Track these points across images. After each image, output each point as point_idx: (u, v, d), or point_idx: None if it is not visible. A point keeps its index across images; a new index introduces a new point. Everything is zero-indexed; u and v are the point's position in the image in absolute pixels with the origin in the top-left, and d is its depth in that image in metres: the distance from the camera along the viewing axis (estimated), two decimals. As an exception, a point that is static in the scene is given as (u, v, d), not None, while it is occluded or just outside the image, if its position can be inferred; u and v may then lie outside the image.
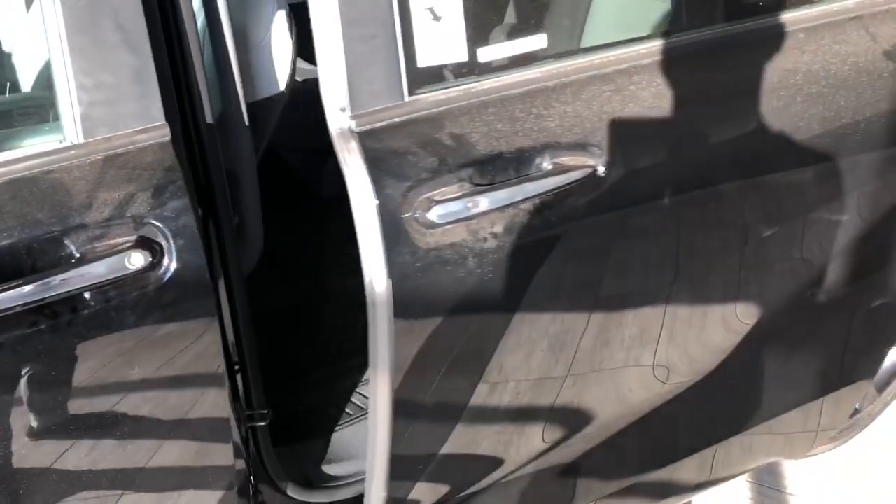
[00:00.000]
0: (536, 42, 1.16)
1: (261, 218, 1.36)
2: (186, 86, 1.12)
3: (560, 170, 1.13)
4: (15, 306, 0.93)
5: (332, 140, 1.04)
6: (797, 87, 1.31)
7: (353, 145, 1.02)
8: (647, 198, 1.25)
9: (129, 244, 0.98)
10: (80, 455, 1.06)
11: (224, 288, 1.19)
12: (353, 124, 1.03)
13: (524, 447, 1.40)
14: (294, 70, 1.45)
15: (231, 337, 1.24)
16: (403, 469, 1.26)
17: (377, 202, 1.02)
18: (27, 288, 0.93)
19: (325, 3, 1.00)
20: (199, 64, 1.11)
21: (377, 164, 1.03)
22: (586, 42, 1.29)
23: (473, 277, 1.12)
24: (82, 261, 0.96)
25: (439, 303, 1.12)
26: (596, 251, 1.26)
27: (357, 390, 1.81)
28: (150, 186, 1.00)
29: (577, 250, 1.22)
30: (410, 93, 1.05)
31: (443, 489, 1.37)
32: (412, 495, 1.33)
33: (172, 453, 1.16)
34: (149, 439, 1.13)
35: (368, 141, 1.03)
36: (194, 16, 1.10)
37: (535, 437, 1.40)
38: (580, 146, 1.15)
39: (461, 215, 1.08)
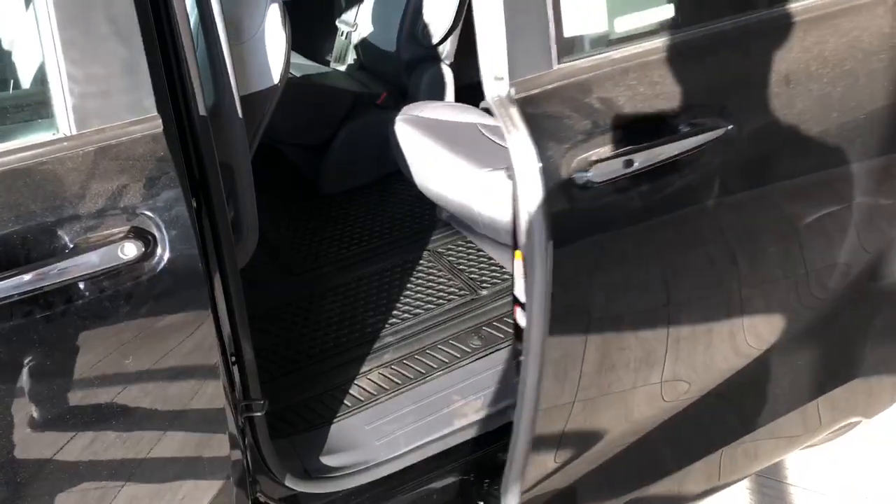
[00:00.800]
0: (666, 12, 1.24)
1: (256, 211, 1.36)
2: (179, 78, 1.12)
3: (698, 130, 1.22)
4: (9, 296, 0.94)
5: (491, 107, 1.11)
6: None
7: (514, 111, 1.09)
8: (775, 158, 1.34)
9: (122, 234, 0.99)
10: (75, 445, 1.07)
11: (219, 279, 1.20)
12: (511, 91, 1.09)
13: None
14: (288, 64, 1.46)
15: (227, 328, 1.25)
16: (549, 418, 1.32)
17: (540, 165, 1.09)
18: (21, 278, 0.94)
19: None
20: (192, 56, 1.11)
21: (537, 129, 1.09)
22: (710, 11, 1.33)
23: (628, 234, 1.22)
24: (76, 251, 0.97)
25: (596, 259, 1.21)
26: (734, 206, 1.33)
27: (355, 382, 1.82)
28: (142, 177, 1.01)
29: (719, 205, 1.31)
30: (559, 61, 1.14)
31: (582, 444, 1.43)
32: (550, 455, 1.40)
33: (168, 444, 1.17)
34: (144, 430, 1.14)
35: (527, 107, 1.10)
36: (186, 9, 1.10)
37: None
38: (713, 108, 1.24)
39: (616, 174, 1.16)
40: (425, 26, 2.59)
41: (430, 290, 2.11)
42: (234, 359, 1.30)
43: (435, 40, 2.62)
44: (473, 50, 3.05)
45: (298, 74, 2.76)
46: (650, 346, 1.38)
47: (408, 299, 2.09)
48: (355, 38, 2.93)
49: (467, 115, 2.26)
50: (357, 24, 2.91)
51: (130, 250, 0.98)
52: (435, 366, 1.85)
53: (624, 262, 1.26)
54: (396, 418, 1.72)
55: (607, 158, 1.15)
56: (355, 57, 2.97)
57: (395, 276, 2.19)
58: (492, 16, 1.09)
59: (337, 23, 2.98)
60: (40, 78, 0.99)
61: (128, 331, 1.03)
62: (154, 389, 1.11)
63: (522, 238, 1.14)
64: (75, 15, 0.97)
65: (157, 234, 1.01)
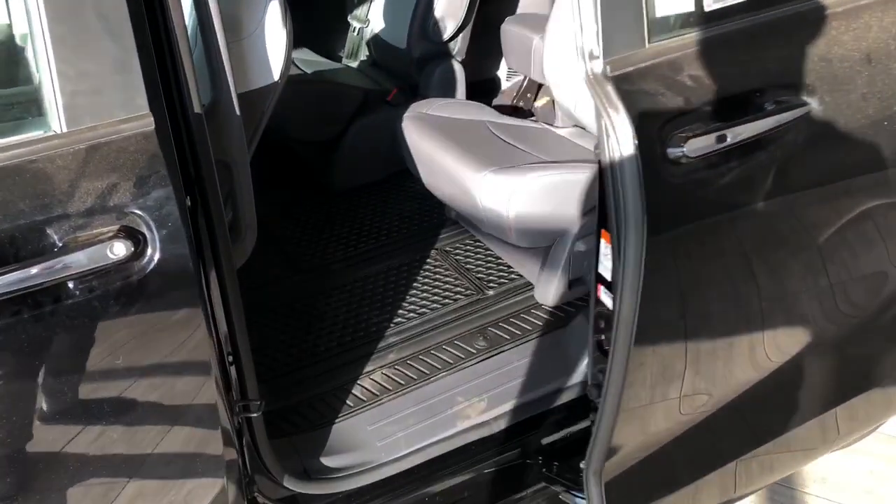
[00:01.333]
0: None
1: (254, 210, 1.35)
2: (174, 75, 1.11)
3: (784, 108, 1.26)
4: (-2, 295, 0.93)
5: (587, 84, 1.14)
6: None
7: (610, 89, 1.13)
8: (857, 136, 1.36)
9: (111, 234, 0.98)
10: (67, 447, 1.07)
11: (215, 279, 1.19)
12: (607, 69, 1.13)
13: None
14: (289, 60, 1.44)
15: (224, 328, 1.24)
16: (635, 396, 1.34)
17: (636, 141, 1.12)
18: (9, 276, 0.93)
19: None
20: (187, 53, 1.10)
21: (632, 106, 1.13)
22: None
23: (720, 207, 1.26)
24: (65, 250, 0.96)
25: (689, 233, 1.26)
26: (817, 189, 1.37)
27: (358, 382, 1.80)
28: (133, 176, 1.00)
29: (802, 186, 1.36)
30: (650, 40, 1.18)
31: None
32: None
33: (163, 446, 1.16)
34: (138, 432, 1.13)
35: (622, 84, 1.14)
36: (181, 5, 1.09)
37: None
38: (796, 86, 1.29)
39: (709, 150, 1.20)
40: (436, 23, 2.56)
41: (436, 290, 2.10)
42: (231, 358, 1.29)
43: (446, 37, 2.60)
44: (484, 47, 3.02)
45: (309, 71, 2.75)
46: (763, 304, 1.40)
47: (413, 298, 2.07)
48: (367, 35, 2.91)
49: (476, 112, 2.24)
50: (369, 21, 2.89)
51: (119, 250, 0.97)
52: (439, 366, 1.83)
53: (716, 238, 1.30)
54: (398, 419, 1.70)
55: (702, 133, 1.18)
56: (367, 53, 2.96)
57: (401, 275, 2.17)
58: None
59: (349, 19, 2.96)
60: (31, 75, 0.98)
61: (118, 332, 1.02)
62: (146, 391, 1.10)
63: (612, 215, 1.19)
64: (65, 11, 0.96)
65: (147, 233, 1.00)
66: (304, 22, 2.67)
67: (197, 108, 1.12)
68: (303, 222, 2.49)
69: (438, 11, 2.55)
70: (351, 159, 2.60)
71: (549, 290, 1.95)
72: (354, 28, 2.95)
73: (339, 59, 3.03)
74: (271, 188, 2.63)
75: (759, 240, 1.35)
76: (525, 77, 2.98)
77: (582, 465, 1.43)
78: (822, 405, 1.67)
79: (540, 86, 3.01)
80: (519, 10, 3.01)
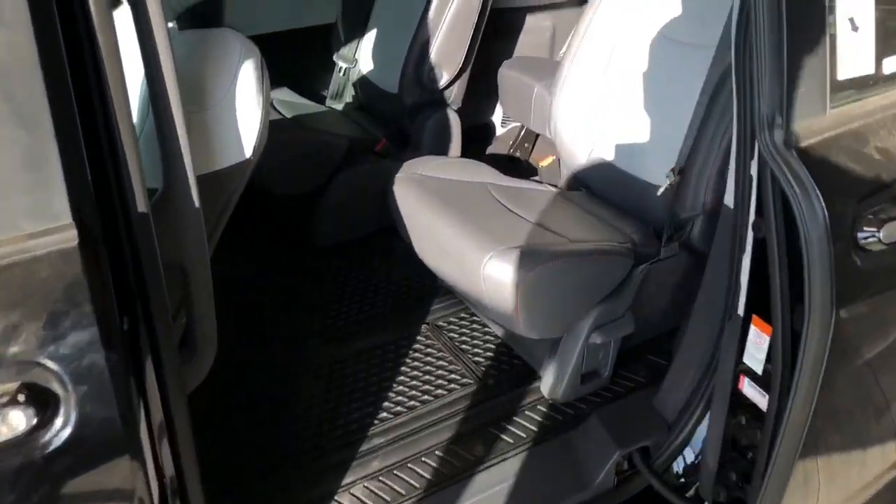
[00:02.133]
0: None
1: (214, 319, 1.08)
2: (113, 165, 0.85)
3: None
4: None
5: (765, 155, 1.02)
6: None
7: (793, 161, 1.01)
8: None
9: (6, 398, 0.71)
10: None
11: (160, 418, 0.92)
12: (791, 139, 1.03)
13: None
14: (265, 133, 1.17)
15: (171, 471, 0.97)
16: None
17: (828, 223, 1.01)
18: None
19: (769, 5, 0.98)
20: (129, 134, 0.84)
21: (820, 181, 1.01)
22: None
23: None
24: (-64, 423, 0.69)
25: (871, 327, 1.12)
26: None
27: (335, 498, 1.53)
28: (43, 313, 0.73)
29: None
30: (832, 106, 1.06)
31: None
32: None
33: None
34: None
35: (807, 156, 1.02)
36: (123, 72, 0.83)
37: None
38: None
39: None
40: (431, 69, 2.33)
41: (427, 377, 1.83)
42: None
43: (442, 84, 2.37)
44: (479, 90, 2.75)
45: (289, 115, 2.50)
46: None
47: (401, 387, 1.80)
48: (354, 76, 2.67)
49: (475, 173, 1.99)
50: (356, 61, 2.65)
51: (17, 420, 0.70)
52: (431, 478, 1.56)
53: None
54: (384, 553, 1.44)
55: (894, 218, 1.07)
56: (353, 95, 2.72)
57: (386, 357, 1.91)
58: (773, 57, 1.01)
59: (334, 58, 2.72)
60: None
61: (13, 525, 0.75)
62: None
63: (779, 302, 1.06)
64: (-47, 90, 0.70)
65: (60, 392, 0.73)
66: (285, 59, 2.42)
67: (141, 207, 0.86)
68: (276, 285, 2.22)
69: (434, 57, 2.32)
70: (334, 214, 2.35)
71: (558, 384, 1.71)
72: (340, 68, 2.70)
73: (322, 100, 2.79)
74: (243, 243, 2.36)
75: None
76: (523, 126, 2.77)
77: None
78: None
79: (537, 135, 2.80)
80: (516, 53, 2.80)
